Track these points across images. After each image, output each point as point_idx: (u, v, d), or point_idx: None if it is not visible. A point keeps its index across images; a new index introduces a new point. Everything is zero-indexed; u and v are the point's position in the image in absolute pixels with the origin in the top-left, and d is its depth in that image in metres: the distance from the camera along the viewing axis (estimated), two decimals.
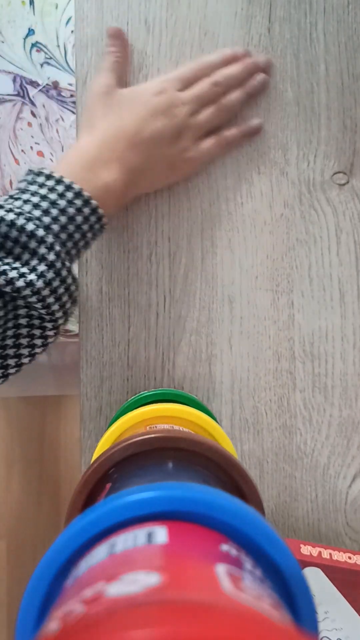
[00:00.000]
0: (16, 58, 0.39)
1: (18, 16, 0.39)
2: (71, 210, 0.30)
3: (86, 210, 0.31)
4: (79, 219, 0.30)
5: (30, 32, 0.39)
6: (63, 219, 0.30)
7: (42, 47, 0.39)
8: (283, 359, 0.39)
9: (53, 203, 0.30)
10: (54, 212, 0.29)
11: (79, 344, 0.39)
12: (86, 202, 0.31)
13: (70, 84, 0.39)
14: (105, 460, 0.19)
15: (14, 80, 0.39)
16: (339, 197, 0.40)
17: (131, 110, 0.35)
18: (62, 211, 0.30)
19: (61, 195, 0.30)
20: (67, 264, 0.30)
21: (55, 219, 0.29)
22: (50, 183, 0.30)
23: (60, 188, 0.30)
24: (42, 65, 0.39)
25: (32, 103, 0.39)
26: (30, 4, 0.39)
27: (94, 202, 0.31)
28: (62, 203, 0.30)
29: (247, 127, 0.39)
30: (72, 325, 0.49)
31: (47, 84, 0.39)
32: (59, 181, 0.30)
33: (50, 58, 0.39)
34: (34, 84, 0.39)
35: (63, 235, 0.30)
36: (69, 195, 0.30)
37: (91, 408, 0.38)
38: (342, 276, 0.40)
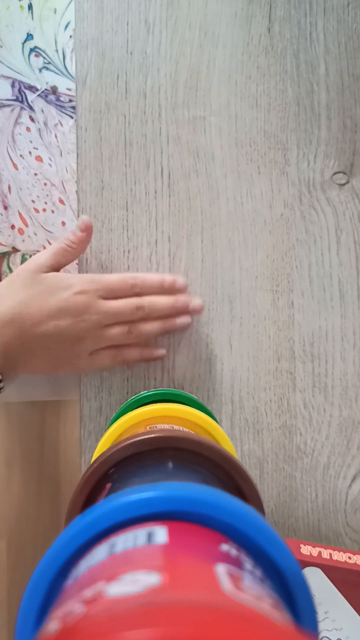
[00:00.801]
0: (15, 63, 0.39)
1: (16, 21, 0.39)
2: None
3: None
4: None
5: (29, 36, 0.39)
6: None
7: (40, 52, 0.39)
8: (283, 359, 0.39)
9: None
10: None
11: None
12: None
13: (69, 89, 0.39)
14: (105, 460, 0.19)
15: (13, 85, 0.39)
16: (339, 197, 0.40)
17: (43, 300, 0.33)
18: None
19: None
20: None
21: None
22: None
23: None
24: (40, 70, 0.39)
25: (31, 108, 0.39)
26: (29, 8, 0.39)
27: None
28: None
29: (149, 353, 0.37)
30: None
31: (45, 89, 0.39)
32: None
33: (49, 63, 0.39)
34: (32, 88, 0.39)
35: None
36: None
37: (91, 408, 0.39)
38: (342, 276, 0.40)
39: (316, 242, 0.40)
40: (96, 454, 0.26)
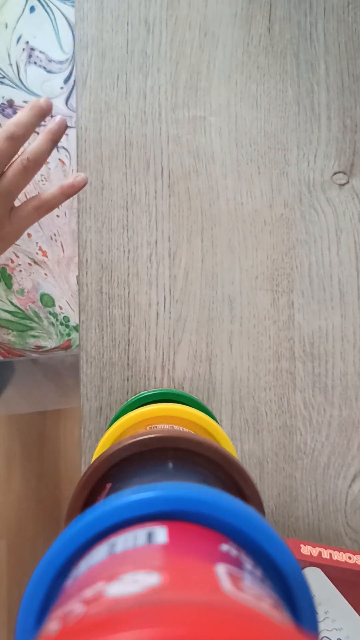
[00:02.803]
0: None
1: None
2: None
3: None
4: None
5: None
6: None
7: None
8: (283, 359, 0.39)
9: None
10: None
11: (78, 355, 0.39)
12: None
13: (25, 102, 0.39)
14: (105, 460, 0.19)
15: None
16: (339, 197, 0.40)
17: None
18: None
19: None
20: None
21: None
22: None
23: None
24: None
25: None
26: None
27: None
28: None
29: (69, 184, 0.34)
30: (44, 341, 0.49)
31: (2, 103, 0.39)
32: None
33: (4, 77, 0.39)
34: None
35: None
36: None
37: (91, 408, 0.38)
38: (342, 276, 0.40)
39: (316, 242, 0.40)
40: (96, 454, 0.26)
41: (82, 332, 0.39)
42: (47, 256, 0.45)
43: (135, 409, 0.28)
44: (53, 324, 0.48)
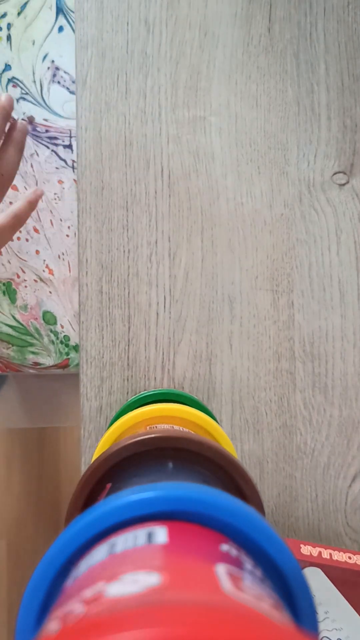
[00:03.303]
0: None
1: None
2: None
3: None
4: None
5: (7, 67, 0.39)
6: None
7: (18, 83, 0.39)
8: (283, 359, 0.39)
9: None
10: None
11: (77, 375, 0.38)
12: None
13: (45, 120, 0.40)
14: (105, 460, 0.19)
15: None
16: (339, 197, 0.40)
17: None
18: None
19: None
20: None
21: None
22: None
23: None
24: (18, 100, 0.39)
25: None
26: (7, 39, 0.39)
27: None
28: None
29: (33, 196, 0.37)
30: (43, 359, 0.49)
31: (22, 119, 0.39)
32: None
33: (27, 93, 0.39)
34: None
35: None
36: None
37: (91, 408, 0.38)
38: (342, 276, 0.40)
39: (316, 242, 0.40)
40: (96, 454, 0.26)
41: (82, 332, 0.39)
42: (53, 274, 0.45)
43: (135, 409, 0.28)
44: (53, 342, 0.48)
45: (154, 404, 0.28)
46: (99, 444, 0.26)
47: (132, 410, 0.28)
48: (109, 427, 0.28)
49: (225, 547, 0.12)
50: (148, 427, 0.24)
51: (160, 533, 0.12)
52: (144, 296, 0.39)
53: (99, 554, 0.12)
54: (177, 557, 0.11)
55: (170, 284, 0.39)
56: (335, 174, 0.40)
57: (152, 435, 0.19)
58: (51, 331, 0.47)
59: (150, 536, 0.12)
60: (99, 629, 0.07)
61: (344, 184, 0.40)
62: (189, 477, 0.17)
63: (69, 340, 0.48)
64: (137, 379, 0.39)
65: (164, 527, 0.12)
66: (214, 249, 0.40)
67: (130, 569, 0.10)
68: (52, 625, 0.09)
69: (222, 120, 0.40)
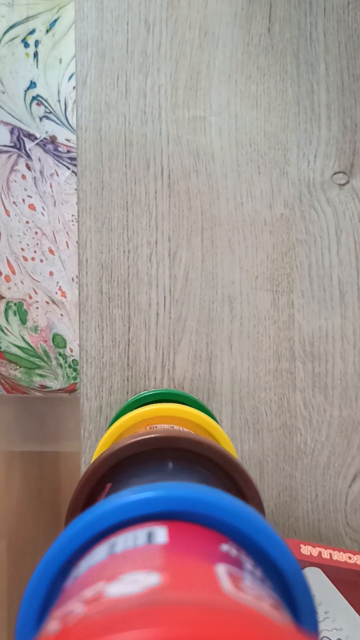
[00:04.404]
0: (16, 109, 0.39)
1: (21, 67, 0.39)
2: None
3: None
4: None
5: (32, 84, 0.39)
6: None
7: (42, 101, 0.39)
8: (283, 359, 0.39)
9: None
10: None
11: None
12: None
13: (67, 140, 0.39)
14: (105, 460, 0.19)
15: (12, 132, 0.39)
16: (339, 197, 0.40)
17: None
18: None
19: None
20: None
21: None
22: None
23: None
24: (41, 118, 0.39)
25: (28, 156, 0.39)
26: (34, 56, 0.39)
27: None
28: None
29: None
30: (50, 382, 0.48)
31: (44, 138, 0.39)
32: None
33: (50, 112, 0.39)
34: (31, 136, 0.39)
35: None
36: None
37: (91, 408, 0.38)
38: (342, 276, 0.40)
39: (316, 242, 0.40)
40: (96, 454, 0.26)
41: (82, 332, 0.39)
42: (65, 297, 0.45)
43: (135, 409, 0.28)
44: (61, 366, 0.47)
45: (154, 404, 0.28)
46: (99, 444, 0.26)
47: (132, 410, 0.28)
48: (109, 427, 0.28)
49: (225, 547, 0.12)
50: (148, 427, 0.24)
51: (160, 533, 0.12)
52: (144, 296, 0.39)
53: (99, 554, 0.12)
54: (177, 557, 0.11)
55: (170, 284, 0.39)
56: (335, 174, 0.40)
57: (152, 435, 0.19)
58: (60, 354, 0.46)
59: (150, 536, 0.12)
60: (99, 629, 0.07)
61: (344, 184, 0.40)
62: (189, 477, 0.17)
63: (77, 364, 0.48)
64: (137, 379, 0.39)
65: (164, 527, 0.12)
66: (214, 249, 0.40)
67: (130, 569, 0.10)
68: (52, 625, 0.09)
69: (222, 120, 0.40)
